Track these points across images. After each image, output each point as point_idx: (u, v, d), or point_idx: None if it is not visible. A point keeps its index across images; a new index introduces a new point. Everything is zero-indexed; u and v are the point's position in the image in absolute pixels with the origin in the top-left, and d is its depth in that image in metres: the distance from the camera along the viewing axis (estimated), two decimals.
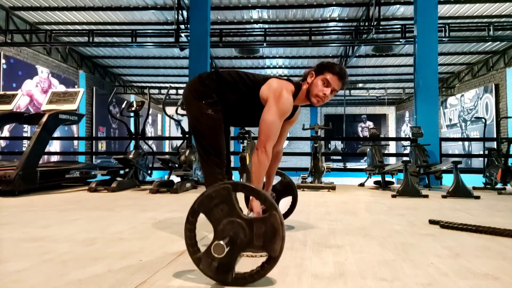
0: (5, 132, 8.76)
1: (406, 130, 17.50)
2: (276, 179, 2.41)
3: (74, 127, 11.64)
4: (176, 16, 8.38)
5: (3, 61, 8.82)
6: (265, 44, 9.13)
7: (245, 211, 1.71)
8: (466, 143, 12.34)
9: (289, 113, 1.95)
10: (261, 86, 1.95)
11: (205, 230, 2.31)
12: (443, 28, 8.10)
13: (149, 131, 17.33)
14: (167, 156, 5.38)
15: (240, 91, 1.98)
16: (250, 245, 1.35)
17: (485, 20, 8.89)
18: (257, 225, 1.34)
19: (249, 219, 1.36)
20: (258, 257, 1.74)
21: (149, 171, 5.75)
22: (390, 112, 19.70)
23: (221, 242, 1.28)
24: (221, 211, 1.36)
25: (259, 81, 1.98)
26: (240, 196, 1.90)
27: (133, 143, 5.65)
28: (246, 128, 5.06)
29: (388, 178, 5.60)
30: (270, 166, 2.10)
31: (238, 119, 2.15)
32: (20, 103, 9.09)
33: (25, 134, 9.22)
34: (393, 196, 4.33)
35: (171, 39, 8.81)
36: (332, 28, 9.85)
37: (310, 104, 2.03)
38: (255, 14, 9.37)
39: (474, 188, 5.27)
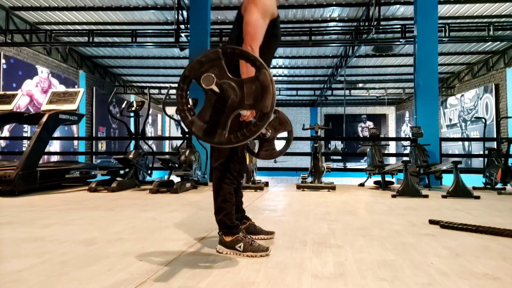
0: (5, 132, 8.76)
1: (406, 130, 17.50)
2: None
3: (74, 127, 11.64)
4: (176, 16, 8.37)
5: (3, 61, 8.82)
6: None
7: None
8: (466, 143, 12.34)
9: (272, 9, 1.80)
10: (240, 10, 1.83)
11: (205, 231, 2.31)
12: (443, 28, 8.09)
13: (149, 131, 17.33)
14: (167, 156, 5.38)
15: (235, 36, 1.84)
16: (241, 104, 1.35)
17: (485, 20, 8.88)
18: (247, 85, 1.35)
19: (239, 80, 1.37)
20: (258, 257, 1.74)
21: (149, 171, 5.75)
22: (390, 112, 19.69)
23: (212, 74, 1.28)
24: (212, 74, 1.34)
25: (238, 13, 1.86)
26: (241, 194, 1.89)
27: (133, 143, 5.65)
28: None
29: (388, 178, 5.60)
30: None
31: None
32: (20, 103, 9.09)
33: (25, 134, 9.22)
34: (393, 196, 4.33)
35: (171, 39, 8.81)
36: (332, 28, 9.85)
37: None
38: None
39: (474, 188, 5.27)
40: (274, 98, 1.33)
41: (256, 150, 2.45)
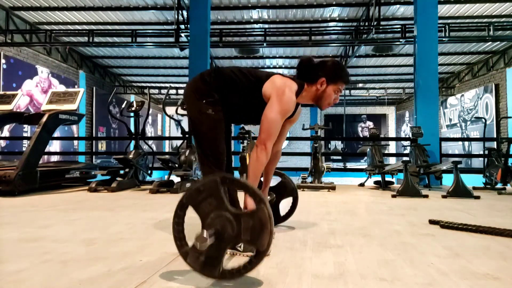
0: (5, 132, 8.76)
1: (406, 130, 17.50)
2: (276, 180, 2.40)
3: (74, 127, 11.64)
4: (176, 16, 8.38)
5: (3, 61, 8.82)
6: (265, 44, 9.13)
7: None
8: (466, 143, 12.34)
9: (291, 112, 1.94)
10: (263, 82, 1.93)
11: None
12: (443, 28, 8.10)
13: (149, 131, 17.33)
14: (167, 156, 5.38)
15: (241, 88, 1.95)
16: (238, 239, 1.33)
17: (485, 20, 8.89)
18: (244, 219, 1.32)
19: (236, 213, 1.34)
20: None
21: (149, 171, 5.74)
22: (390, 112, 19.70)
23: (204, 233, 1.27)
24: (209, 204, 1.34)
25: (262, 77, 1.96)
26: (240, 196, 1.90)
27: (133, 143, 5.65)
28: (246, 128, 5.06)
29: (388, 178, 5.60)
30: (268, 164, 2.09)
31: (240, 117, 2.12)
32: (20, 103, 9.09)
33: (25, 134, 9.22)
34: (393, 196, 4.33)
35: (171, 39, 8.81)
36: (332, 28, 9.85)
37: (312, 104, 2.04)
38: (255, 14, 9.37)
39: (474, 188, 5.27)
40: (272, 235, 1.30)
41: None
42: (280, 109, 1.85)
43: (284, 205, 2.52)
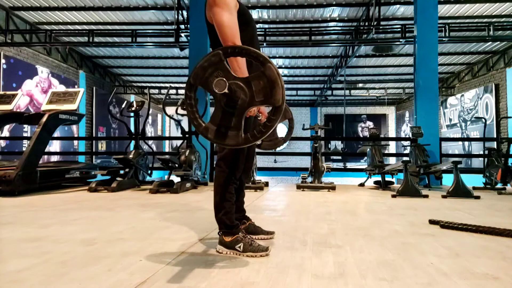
0: (5, 132, 8.76)
1: (406, 130, 17.50)
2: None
3: (74, 127, 11.64)
4: (176, 16, 8.38)
5: (3, 61, 8.82)
6: (265, 44, 9.12)
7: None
8: (466, 143, 12.34)
9: (234, 1, 1.74)
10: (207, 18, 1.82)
11: (205, 231, 2.31)
12: (443, 28, 8.10)
13: (149, 131, 17.33)
14: (167, 156, 5.38)
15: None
16: (252, 102, 1.35)
17: (485, 20, 8.88)
18: (255, 82, 1.34)
19: (246, 78, 1.36)
20: (258, 257, 1.74)
21: (149, 171, 5.75)
22: (390, 112, 19.69)
23: (222, 78, 1.29)
24: (217, 77, 1.34)
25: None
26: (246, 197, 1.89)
27: (133, 143, 5.65)
28: None
29: (388, 178, 5.60)
30: None
31: None
32: (20, 103, 9.09)
33: (25, 134, 9.22)
34: (393, 196, 4.33)
35: (171, 39, 8.81)
36: (332, 28, 9.85)
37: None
38: (255, 14, 9.37)
39: (474, 188, 5.27)
40: (284, 90, 1.33)
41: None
42: (221, 6, 1.66)
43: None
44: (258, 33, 9.52)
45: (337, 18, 9.60)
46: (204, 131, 1.38)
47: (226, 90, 1.28)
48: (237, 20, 1.72)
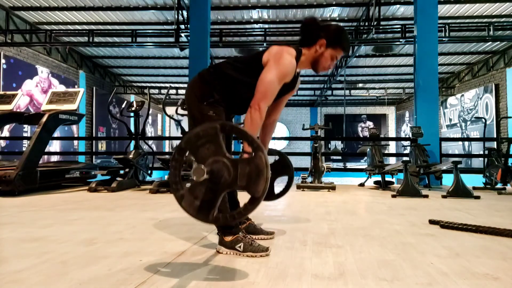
0: (5, 132, 8.76)
1: (406, 130, 17.50)
2: (273, 158, 2.39)
3: (74, 127, 11.64)
4: (176, 16, 8.38)
5: (3, 61, 8.82)
6: (265, 44, 9.12)
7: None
8: (466, 143, 12.34)
9: (289, 77, 1.87)
10: (262, 55, 1.89)
11: (205, 230, 2.31)
12: (443, 28, 8.10)
13: (149, 131, 17.33)
14: (167, 156, 5.38)
15: (241, 83, 1.91)
16: (234, 184, 1.33)
17: (485, 20, 8.89)
18: (241, 165, 1.32)
19: (234, 159, 1.34)
20: (258, 257, 1.75)
21: (149, 171, 5.74)
22: (390, 112, 19.70)
23: (202, 166, 1.28)
24: (207, 150, 1.34)
25: (258, 53, 1.92)
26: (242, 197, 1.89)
27: (133, 143, 5.65)
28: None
29: (388, 178, 5.60)
30: (264, 134, 2.09)
31: (243, 106, 2.01)
32: (20, 103, 9.09)
33: (25, 134, 9.22)
34: (393, 196, 4.33)
35: (171, 39, 8.81)
36: None
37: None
38: (255, 14, 9.37)
39: (474, 188, 5.27)
40: (267, 183, 1.30)
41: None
42: (278, 71, 1.80)
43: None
44: (258, 33, 9.39)
45: (337, 18, 9.60)
46: (179, 197, 1.36)
47: (205, 177, 1.28)
48: (279, 84, 1.84)
